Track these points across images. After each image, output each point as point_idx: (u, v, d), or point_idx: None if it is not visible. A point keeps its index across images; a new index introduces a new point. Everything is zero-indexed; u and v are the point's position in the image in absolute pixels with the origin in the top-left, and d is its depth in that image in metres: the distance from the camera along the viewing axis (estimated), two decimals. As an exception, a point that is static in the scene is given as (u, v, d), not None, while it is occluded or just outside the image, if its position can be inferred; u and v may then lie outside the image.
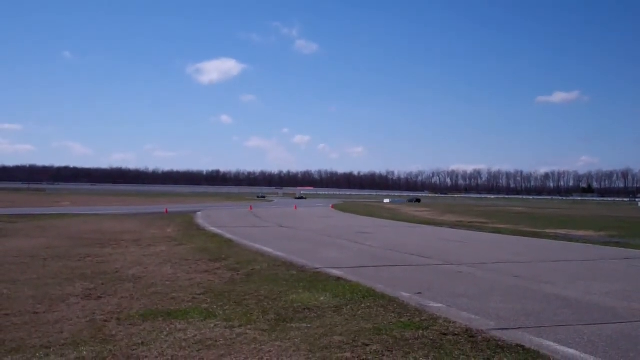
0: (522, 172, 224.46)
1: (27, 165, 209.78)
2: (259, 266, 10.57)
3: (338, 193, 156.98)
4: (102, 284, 8.55)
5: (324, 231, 21.10)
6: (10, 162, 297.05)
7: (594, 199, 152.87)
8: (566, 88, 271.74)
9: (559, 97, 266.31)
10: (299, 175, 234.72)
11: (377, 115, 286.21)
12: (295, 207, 45.90)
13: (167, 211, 34.10)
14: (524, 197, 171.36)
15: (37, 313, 6.60)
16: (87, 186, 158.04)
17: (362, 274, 9.75)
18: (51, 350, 5.17)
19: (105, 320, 6.27)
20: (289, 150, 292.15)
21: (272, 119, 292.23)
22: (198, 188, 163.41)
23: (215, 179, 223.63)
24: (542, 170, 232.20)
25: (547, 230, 23.56)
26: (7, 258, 11.50)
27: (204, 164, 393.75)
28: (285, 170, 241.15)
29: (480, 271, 10.61)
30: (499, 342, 5.56)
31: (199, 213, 33.06)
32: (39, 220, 24.03)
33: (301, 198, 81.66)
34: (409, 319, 6.42)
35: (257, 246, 14.30)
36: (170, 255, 12.21)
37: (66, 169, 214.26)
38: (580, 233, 22.47)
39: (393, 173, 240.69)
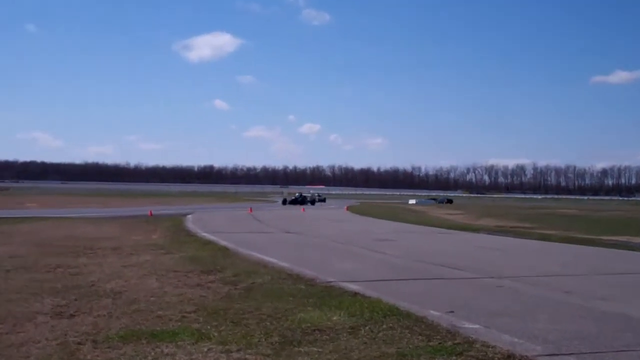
0: (574, 168, 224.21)
1: None
2: (260, 279, 10.55)
3: (354, 192, 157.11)
4: (76, 300, 8.55)
5: (338, 238, 21.11)
6: None
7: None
8: (629, 66, 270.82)
9: (619, 76, 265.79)
10: (308, 171, 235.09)
11: (400, 99, 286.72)
12: (304, 210, 45.99)
13: (151, 214, 34.21)
14: (577, 197, 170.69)
15: (-2, 334, 6.64)
16: (58, 184, 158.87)
17: (383, 289, 9.71)
18: (16, 378, 5.20)
19: (79, 343, 6.26)
20: (295, 141, 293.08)
21: (275, 105, 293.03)
22: (188, 186, 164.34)
23: (209, 175, 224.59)
24: (599, 165, 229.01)
25: (604, 237, 23.46)
26: None
27: (195, 158, 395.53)
28: (291, 166, 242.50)
29: (524, 285, 10.55)
30: (547, 371, 5.51)
31: (190, 216, 33.17)
32: (0, 225, 24.32)
33: (320, 201, 75.19)
34: (440, 343, 6.37)
35: (259, 255, 14.30)
36: (155, 266, 12.21)
37: (33, 164, 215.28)
38: (645, 240, 22.33)
39: (419, 169, 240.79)
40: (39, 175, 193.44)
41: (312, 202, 68.41)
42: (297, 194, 70.02)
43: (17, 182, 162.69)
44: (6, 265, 12.06)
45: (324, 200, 78.11)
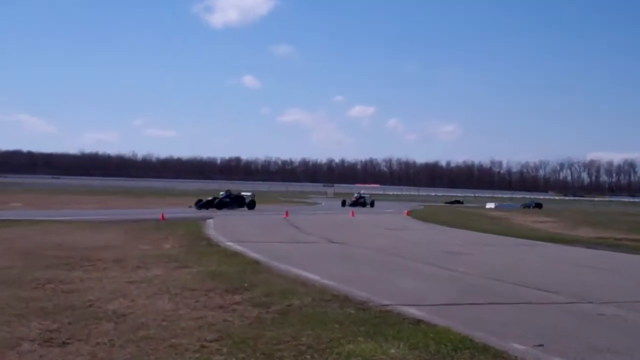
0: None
1: None
2: (298, 300, 10.56)
3: (417, 193, 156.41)
4: (69, 324, 8.61)
5: (396, 250, 20.97)
6: None
7: None
8: None
9: None
10: (358, 166, 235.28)
11: (476, 79, 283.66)
12: (353, 214, 45.93)
13: (163, 217, 34.46)
14: None
15: (-25, 366, 6.75)
16: (49, 179, 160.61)
17: (453, 315, 9.66)
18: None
19: (74, 377, 6.34)
20: (343, 128, 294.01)
21: (318, 82, 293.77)
22: (210, 183, 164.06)
23: (235, 170, 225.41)
24: None
25: None
26: None
27: (218, 149, 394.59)
28: (337, 159, 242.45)
29: (634, 314, 10.37)
30: None
31: (211, 221, 33.33)
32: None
33: (360, 203, 70.55)
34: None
35: (296, 271, 14.32)
36: (168, 283, 12.28)
37: (17, 154, 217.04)
38: None
39: (500, 164, 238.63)
40: (25, 168, 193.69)
41: (364, 205, 67.95)
42: (221, 193, 66.79)
43: None
44: (-17, 280, 12.31)
45: (370, 204, 71.64)
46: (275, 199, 72.59)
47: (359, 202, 68.45)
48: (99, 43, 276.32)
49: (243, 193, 56.33)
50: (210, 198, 52.23)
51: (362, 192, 76.67)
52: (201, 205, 50.39)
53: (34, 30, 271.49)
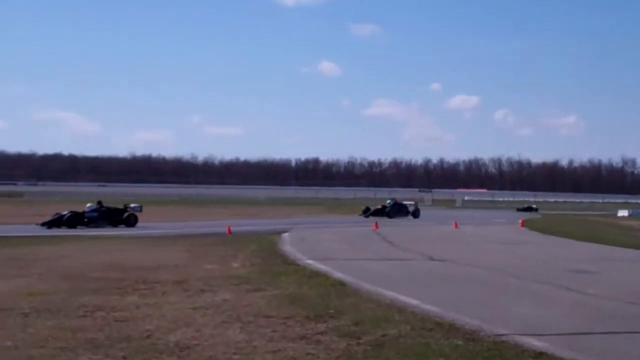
0: None
1: None
2: (394, 329, 10.48)
3: (532, 199, 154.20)
4: (124, 358, 8.76)
5: (509, 268, 20.74)
6: None
7: None
8: None
9: None
10: (461, 167, 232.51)
11: (605, 61, 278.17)
12: (456, 225, 45.61)
13: (230, 231, 34.81)
14: None
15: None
16: (94, 187, 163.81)
17: (583, 347, 9.52)
18: None
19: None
20: (441, 122, 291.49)
21: (410, 67, 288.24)
22: (283, 190, 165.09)
23: (313, 173, 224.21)
24: None
25: None
26: None
27: (291, 149, 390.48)
28: (435, 159, 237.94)
29: None
30: None
31: (286, 234, 33.40)
32: (12, 247, 24.95)
33: (400, 212, 63.01)
34: None
35: (391, 294, 14.23)
36: (239, 309, 12.32)
37: (57, 158, 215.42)
38: None
39: (633, 162, 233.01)
40: (66, 174, 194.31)
41: (411, 213, 62.74)
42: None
43: (36, 184, 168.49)
44: (23, 307, 12.31)
45: (412, 213, 63.47)
46: (360, 207, 72.28)
47: (391, 210, 60.51)
48: (152, 28, 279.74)
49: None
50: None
51: (394, 198, 68.59)
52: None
53: (71, 19, 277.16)
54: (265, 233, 34.30)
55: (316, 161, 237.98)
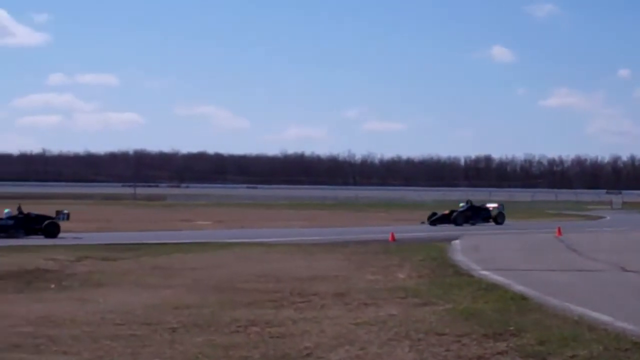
0: None
1: (130, 152, 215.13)
2: (585, 350, 10.18)
3: None
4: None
5: None
6: (98, 146, 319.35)
7: None
8: None
9: None
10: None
11: None
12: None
13: (393, 237, 35.04)
14: None
15: None
16: (242, 189, 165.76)
17: None
18: None
19: None
20: (631, 113, 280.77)
21: (594, 52, 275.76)
22: (451, 192, 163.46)
23: (485, 173, 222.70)
24: None
25: None
26: (106, 327, 12.29)
27: (460, 146, 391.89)
28: (625, 156, 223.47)
29: None
30: None
31: (457, 242, 33.56)
32: (156, 255, 26.13)
33: (480, 217, 58.93)
34: None
35: (579, 309, 13.76)
36: (407, 325, 12.27)
37: (203, 157, 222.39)
38: None
39: None
40: (213, 175, 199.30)
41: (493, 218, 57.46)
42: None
43: (179, 186, 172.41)
44: (170, 321, 12.76)
45: (493, 218, 58.81)
46: (540, 211, 71.48)
47: (460, 215, 55.15)
48: (298, 17, 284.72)
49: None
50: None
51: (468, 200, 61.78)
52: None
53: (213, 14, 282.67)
54: (434, 240, 34.35)
55: (488, 159, 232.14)
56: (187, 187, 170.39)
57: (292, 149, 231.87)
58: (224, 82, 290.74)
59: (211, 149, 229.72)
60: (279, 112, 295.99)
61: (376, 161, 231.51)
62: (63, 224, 38.10)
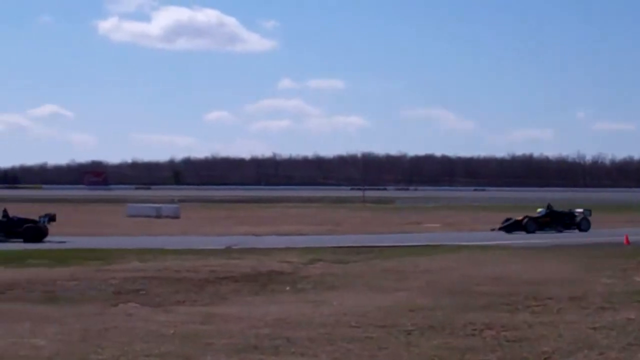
0: None
1: (358, 155, 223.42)
2: None
3: None
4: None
5: None
6: (326, 150, 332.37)
7: None
8: None
9: None
10: None
11: None
12: None
13: (628, 240, 34.03)
14: None
15: None
16: (468, 191, 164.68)
17: None
18: None
19: None
20: None
21: None
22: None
23: None
24: None
25: None
26: (341, 329, 12.51)
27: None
28: None
29: None
30: None
31: None
32: (386, 258, 26.42)
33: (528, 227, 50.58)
34: None
35: None
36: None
37: (429, 159, 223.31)
38: None
39: None
40: (441, 177, 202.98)
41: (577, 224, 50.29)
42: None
43: (407, 188, 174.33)
44: (405, 324, 12.84)
45: (577, 225, 51.64)
46: None
47: (531, 221, 49.08)
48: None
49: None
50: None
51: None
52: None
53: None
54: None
55: None
56: (416, 189, 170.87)
57: (519, 151, 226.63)
58: (447, 85, 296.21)
59: (438, 151, 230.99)
60: (503, 113, 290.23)
61: (607, 162, 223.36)
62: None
